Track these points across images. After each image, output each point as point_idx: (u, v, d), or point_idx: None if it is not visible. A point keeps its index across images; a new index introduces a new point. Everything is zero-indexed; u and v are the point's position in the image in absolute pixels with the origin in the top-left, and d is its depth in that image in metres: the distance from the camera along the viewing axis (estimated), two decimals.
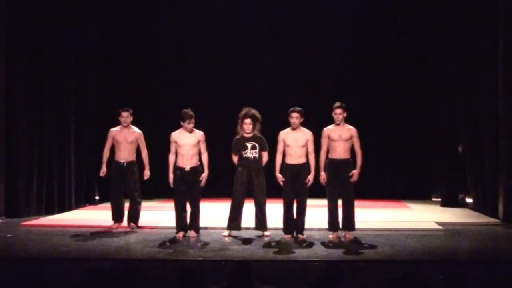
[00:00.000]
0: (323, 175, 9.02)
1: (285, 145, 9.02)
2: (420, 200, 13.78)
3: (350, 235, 9.04)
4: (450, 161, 12.86)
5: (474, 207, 11.96)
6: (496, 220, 10.73)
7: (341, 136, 8.99)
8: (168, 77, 14.53)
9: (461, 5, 11.94)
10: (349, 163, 9.04)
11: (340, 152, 8.99)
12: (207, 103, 13.72)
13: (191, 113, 9.17)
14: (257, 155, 9.20)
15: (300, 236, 9.02)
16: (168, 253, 8.09)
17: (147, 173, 9.83)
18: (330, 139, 9.02)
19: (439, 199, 13.34)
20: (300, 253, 8.04)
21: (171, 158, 9.23)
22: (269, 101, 14.17)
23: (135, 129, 9.89)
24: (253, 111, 9.29)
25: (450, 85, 12.54)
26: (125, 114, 9.82)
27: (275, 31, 14.46)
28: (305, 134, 9.04)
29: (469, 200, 12.60)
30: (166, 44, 14.49)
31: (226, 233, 9.25)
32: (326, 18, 14.24)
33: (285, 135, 9.05)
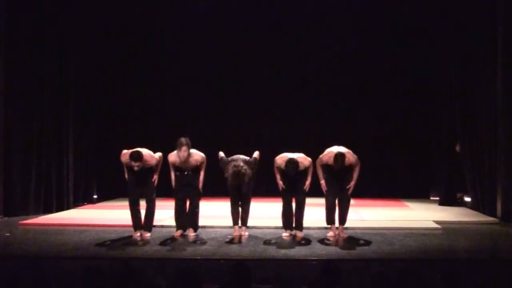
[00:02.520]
0: (323, 183, 9.07)
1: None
2: (418, 199, 13.78)
3: (344, 234, 9.08)
4: (449, 160, 12.88)
5: (473, 206, 11.97)
6: (495, 219, 10.74)
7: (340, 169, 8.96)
8: (169, 77, 14.51)
9: (460, 5, 11.94)
10: (349, 167, 9.05)
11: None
12: (207, 103, 13.73)
13: (183, 140, 8.93)
14: (245, 171, 8.95)
15: (298, 233, 9.06)
16: (166, 252, 8.09)
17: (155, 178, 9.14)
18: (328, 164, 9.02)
19: (438, 198, 13.35)
20: (298, 252, 8.04)
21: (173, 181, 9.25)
22: (268, 101, 14.23)
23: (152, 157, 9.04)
24: (241, 166, 8.88)
25: (449, 85, 12.55)
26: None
27: (275, 33, 14.45)
28: (304, 164, 8.93)
29: (467, 199, 12.61)
30: (167, 44, 14.46)
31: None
32: (326, 19, 14.23)
33: (283, 166, 8.91)
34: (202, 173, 9.18)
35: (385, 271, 4.73)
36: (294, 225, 9.16)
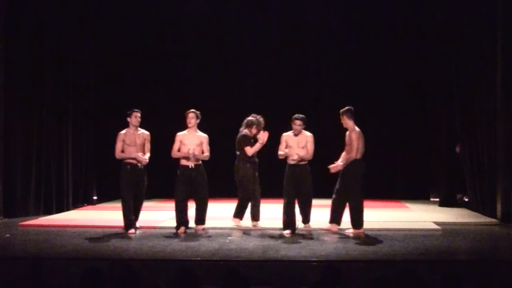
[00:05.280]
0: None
1: (287, 146, 9.39)
2: (418, 200, 13.80)
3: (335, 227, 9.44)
4: (449, 161, 12.88)
5: (472, 207, 11.97)
6: (494, 220, 10.74)
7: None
8: (168, 77, 14.52)
9: (460, 6, 11.95)
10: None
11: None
12: (208, 103, 13.69)
13: (191, 110, 9.62)
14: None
15: (306, 226, 9.47)
16: (166, 253, 8.08)
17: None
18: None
19: (438, 199, 13.36)
20: (298, 253, 8.03)
21: (175, 154, 9.59)
22: (269, 101, 14.22)
23: (143, 130, 9.67)
24: (261, 120, 9.99)
25: (448, 86, 12.56)
26: (138, 114, 9.56)
27: (277, 33, 14.47)
28: (306, 137, 9.48)
29: (467, 200, 12.61)
30: (167, 44, 14.47)
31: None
32: (326, 19, 14.23)
33: (287, 137, 9.48)
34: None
35: (386, 275, 4.72)
36: (301, 219, 9.52)
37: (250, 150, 9.74)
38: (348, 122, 9.39)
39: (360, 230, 9.36)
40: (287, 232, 9.21)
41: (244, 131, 9.94)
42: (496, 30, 10.97)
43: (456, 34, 12.13)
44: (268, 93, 14.49)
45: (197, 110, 9.61)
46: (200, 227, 9.58)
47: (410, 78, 14.23)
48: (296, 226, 9.38)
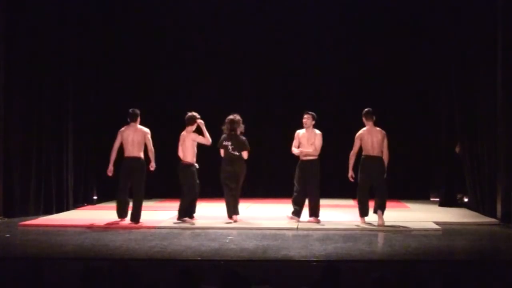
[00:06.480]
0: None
1: (299, 142, 10.29)
2: (418, 200, 13.79)
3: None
4: (449, 161, 12.88)
5: (472, 207, 11.97)
6: (494, 220, 10.74)
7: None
8: (168, 76, 14.50)
9: (460, 7, 11.95)
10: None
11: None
12: (208, 103, 13.71)
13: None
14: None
15: (313, 219, 10.06)
16: (166, 253, 8.08)
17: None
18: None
19: (438, 199, 13.36)
20: (298, 253, 8.04)
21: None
22: (267, 102, 14.22)
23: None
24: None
25: (449, 86, 12.56)
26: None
27: (277, 32, 14.46)
28: (315, 134, 10.30)
29: (467, 200, 12.61)
30: (167, 44, 14.48)
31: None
32: (327, 20, 14.25)
33: (300, 134, 10.37)
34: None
35: (385, 275, 4.73)
36: (308, 213, 10.12)
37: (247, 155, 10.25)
38: (364, 123, 10.10)
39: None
40: (293, 219, 10.05)
41: (242, 136, 10.25)
42: (496, 30, 10.97)
43: (456, 35, 12.12)
44: (268, 93, 14.48)
45: (196, 110, 9.71)
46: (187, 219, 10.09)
47: (410, 78, 14.22)
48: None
